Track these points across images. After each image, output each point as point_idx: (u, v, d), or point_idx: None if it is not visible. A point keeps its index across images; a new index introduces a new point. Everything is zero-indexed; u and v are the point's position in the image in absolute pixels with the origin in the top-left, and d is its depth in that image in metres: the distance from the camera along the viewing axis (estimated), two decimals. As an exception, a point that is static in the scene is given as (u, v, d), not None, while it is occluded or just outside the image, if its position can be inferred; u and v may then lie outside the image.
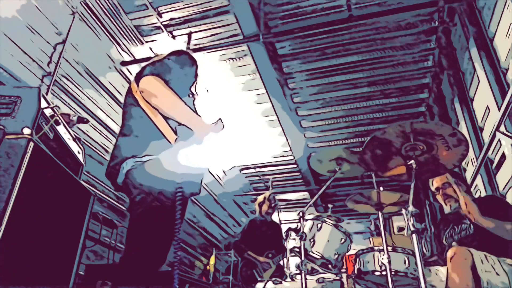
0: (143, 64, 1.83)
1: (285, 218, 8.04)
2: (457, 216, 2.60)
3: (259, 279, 3.95)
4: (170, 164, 1.55)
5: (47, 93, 3.72)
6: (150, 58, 1.92)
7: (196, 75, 1.85)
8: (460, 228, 2.53)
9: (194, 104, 1.85)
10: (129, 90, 1.77)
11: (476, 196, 4.06)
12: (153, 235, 1.52)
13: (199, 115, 1.73)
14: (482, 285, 2.00)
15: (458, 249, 2.13)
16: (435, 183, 2.73)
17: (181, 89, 1.74)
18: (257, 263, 4.12)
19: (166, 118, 1.65)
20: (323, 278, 2.81)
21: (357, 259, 2.59)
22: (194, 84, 1.86)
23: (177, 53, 1.82)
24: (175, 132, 1.62)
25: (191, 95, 1.83)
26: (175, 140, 1.59)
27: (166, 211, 1.51)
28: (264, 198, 4.60)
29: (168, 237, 1.52)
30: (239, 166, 7.88)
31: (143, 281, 1.43)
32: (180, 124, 1.65)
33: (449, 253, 2.14)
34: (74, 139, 2.33)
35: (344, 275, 2.92)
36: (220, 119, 1.71)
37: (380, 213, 2.65)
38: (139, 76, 1.74)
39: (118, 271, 1.56)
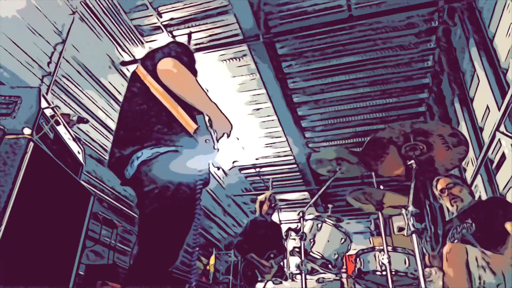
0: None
1: (285, 218, 8.03)
2: (462, 215, 2.60)
3: (259, 278, 3.94)
4: (188, 157, 1.45)
5: (47, 93, 3.72)
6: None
7: (196, 70, 1.79)
8: (462, 226, 2.53)
9: None
10: (135, 77, 1.65)
11: (477, 196, 4.06)
12: (171, 232, 1.41)
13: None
14: (474, 281, 2.01)
15: (454, 245, 2.15)
16: (439, 185, 2.72)
17: None
18: (259, 265, 4.10)
19: (182, 106, 1.52)
20: (323, 278, 2.81)
21: (358, 259, 2.59)
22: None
23: (178, 43, 1.73)
24: (195, 121, 1.47)
25: None
26: (196, 130, 1.45)
27: (182, 206, 1.42)
28: (265, 198, 4.58)
29: (183, 234, 1.45)
30: (239, 166, 7.88)
31: (158, 281, 1.36)
32: (198, 113, 1.50)
33: (445, 250, 2.16)
34: (74, 139, 2.33)
35: (344, 275, 2.92)
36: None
37: (380, 213, 2.65)
38: (148, 61, 1.64)
39: (134, 271, 1.48)
